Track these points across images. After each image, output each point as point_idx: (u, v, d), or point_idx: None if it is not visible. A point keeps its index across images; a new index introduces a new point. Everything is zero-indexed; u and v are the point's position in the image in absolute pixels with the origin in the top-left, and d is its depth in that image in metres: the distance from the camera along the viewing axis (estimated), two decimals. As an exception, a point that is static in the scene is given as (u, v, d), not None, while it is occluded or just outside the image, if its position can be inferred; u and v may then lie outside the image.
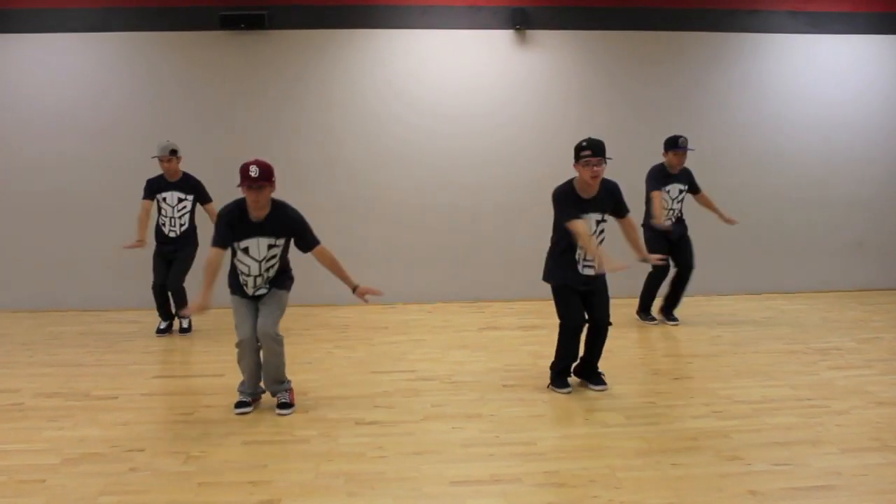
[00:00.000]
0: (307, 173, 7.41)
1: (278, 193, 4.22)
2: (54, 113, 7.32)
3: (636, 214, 4.85)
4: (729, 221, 6.37)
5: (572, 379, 4.71)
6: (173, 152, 6.08)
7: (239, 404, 4.30)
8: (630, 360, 5.33)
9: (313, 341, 6.01)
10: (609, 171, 4.44)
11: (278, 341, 4.21)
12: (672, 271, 6.30)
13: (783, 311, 7.02)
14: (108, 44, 7.33)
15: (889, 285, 8.04)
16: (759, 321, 6.57)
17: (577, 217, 4.32)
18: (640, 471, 3.43)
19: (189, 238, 6.22)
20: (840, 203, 8.02)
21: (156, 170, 6.17)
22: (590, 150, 4.28)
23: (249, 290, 4.25)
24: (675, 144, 6.13)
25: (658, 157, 6.25)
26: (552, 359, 4.67)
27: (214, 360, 5.43)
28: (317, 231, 4.28)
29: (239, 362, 4.28)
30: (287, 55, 7.43)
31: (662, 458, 3.57)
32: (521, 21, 7.45)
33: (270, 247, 4.18)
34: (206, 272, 4.08)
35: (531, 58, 7.62)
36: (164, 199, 6.15)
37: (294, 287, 4.45)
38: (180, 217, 6.18)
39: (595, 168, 4.29)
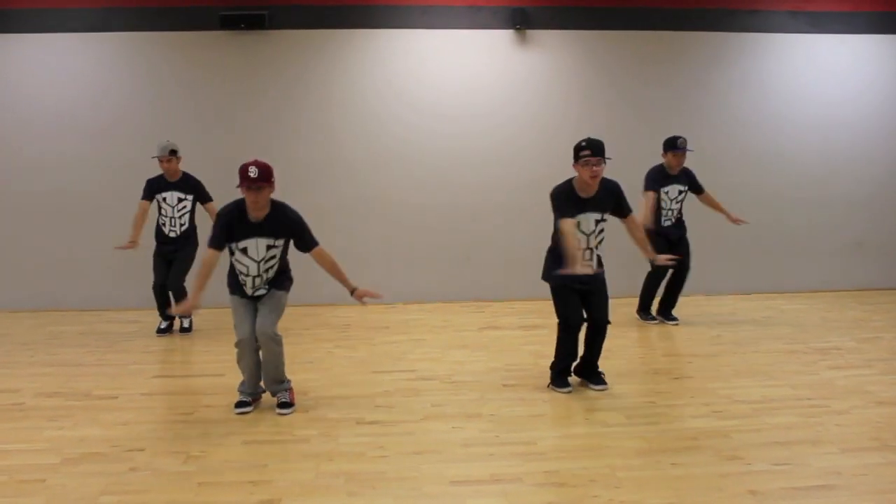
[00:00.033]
0: (307, 173, 7.42)
1: (278, 193, 4.22)
2: (54, 113, 7.32)
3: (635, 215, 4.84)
4: (736, 221, 6.32)
5: (573, 378, 4.71)
6: (173, 152, 6.08)
7: (239, 404, 4.30)
8: (630, 360, 5.33)
9: (314, 341, 6.01)
10: (609, 171, 4.45)
11: (277, 341, 4.21)
12: (670, 271, 6.29)
13: (783, 310, 7.02)
14: (107, 44, 7.33)
15: (889, 285, 8.04)
16: (758, 321, 6.57)
17: (569, 216, 4.34)
18: (640, 470, 3.43)
19: (189, 238, 6.23)
20: (840, 203, 8.02)
21: (156, 170, 6.17)
22: (589, 150, 4.29)
23: (249, 291, 4.25)
24: (673, 145, 6.13)
25: (658, 157, 6.26)
26: (552, 358, 4.67)
27: (215, 359, 5.43)
28: (317, 231, 4.28)
29: (238, 362, 4.28)
30: (287, 55, 7.43)
31: (662, 457, 3.57)
32: (522, 21, 7.45)
33: (269, 247, 4.18)
34: (199, 272, 4.16)
35: (531, 58, 7.62)
36: (164, 199, 6.16)
37: (295, 287, 4.45)
38: (180, 217, 6.18)
39: (594, 168, 4.29)
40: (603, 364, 4.73)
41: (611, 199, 4.46)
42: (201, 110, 7.41)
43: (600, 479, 3.34)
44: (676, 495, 3.17)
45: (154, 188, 6.16)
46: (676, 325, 6.39)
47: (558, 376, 4.62)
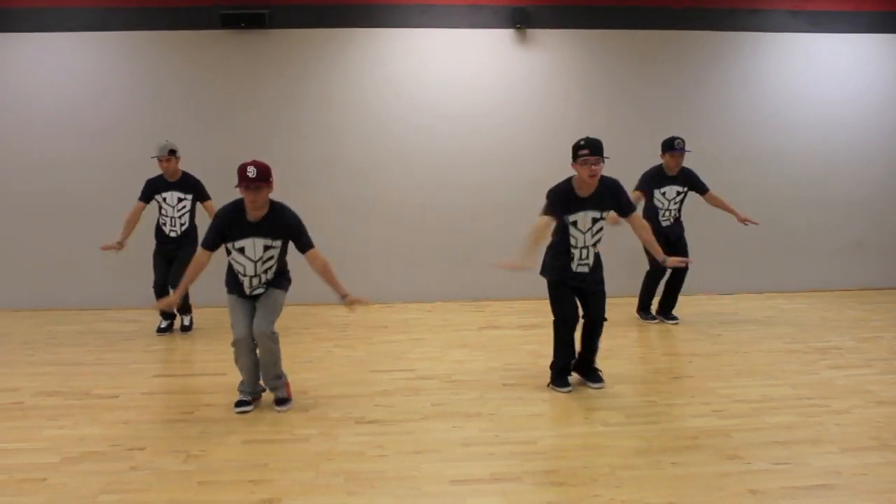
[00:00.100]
0: (307, 173, 7.41)
1: (278, 193, 4.22)
2: (54, 113, 7.32)
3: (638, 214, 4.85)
4: (745, 221, 6.22)
5: (573, 378, 4.71)
6: (172, 152, 6.08)
7: (239, 403, 4.30)
8: (630, 360, 5.34)
9: (313, 340, 6.00)
10: (609, 171, 4.45)
11: (274, 340, 4.21)
12: (669, 271, 6.29)
13: (783, 310, 7.02)
14: (107, 43, 7.33)
15: (889, 285, 8.04)
16: (759, 320, 6.57)
17: (551, 215, 4.38)
18: (640, 470, 3.43)
19: (189, 237, 6.21)
20: (840, 203, 8.02)
21: (155, 170, 6.17)
22: (587, 149, 4.30)
23: (247, 290, 4.26)
24: (671, 146, 6.12)
25: (658, 156, 6.25)
26: (552, 358, 4.67)
27: (215, 358, 5.43)
28: (317, 231, 4.29)
29: (236, 362, 4.29)
30: (287, 54, 7.43)
31: (662, 456, 3.57)
32: (522, 20, 7.45)
33: (267, 248, 4.18)
34: (188, 269, 4.22)
35: (531, 57, 7.62)
36: (164, 199, 6.15)
37: (294, 286, 4.45)
38: (180, 217, 6.18)
39: (593, 167, 4.30)
40: (603, 363, 4.74)
41: (610, 198, 4.47)
42: (201, 110, 7.41)
43: (600, 478, 3.34)
44: (676, 494, 3.17)
45: (154, 188, 6.15)
46: (676, 324, 6.39)
47: (558, 376, 4.63)
